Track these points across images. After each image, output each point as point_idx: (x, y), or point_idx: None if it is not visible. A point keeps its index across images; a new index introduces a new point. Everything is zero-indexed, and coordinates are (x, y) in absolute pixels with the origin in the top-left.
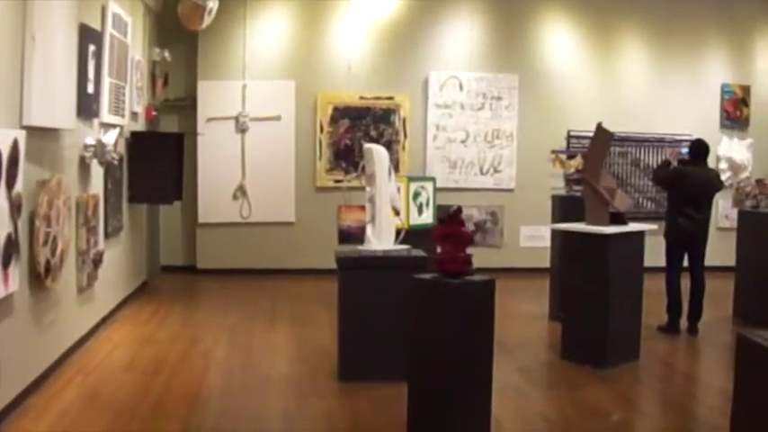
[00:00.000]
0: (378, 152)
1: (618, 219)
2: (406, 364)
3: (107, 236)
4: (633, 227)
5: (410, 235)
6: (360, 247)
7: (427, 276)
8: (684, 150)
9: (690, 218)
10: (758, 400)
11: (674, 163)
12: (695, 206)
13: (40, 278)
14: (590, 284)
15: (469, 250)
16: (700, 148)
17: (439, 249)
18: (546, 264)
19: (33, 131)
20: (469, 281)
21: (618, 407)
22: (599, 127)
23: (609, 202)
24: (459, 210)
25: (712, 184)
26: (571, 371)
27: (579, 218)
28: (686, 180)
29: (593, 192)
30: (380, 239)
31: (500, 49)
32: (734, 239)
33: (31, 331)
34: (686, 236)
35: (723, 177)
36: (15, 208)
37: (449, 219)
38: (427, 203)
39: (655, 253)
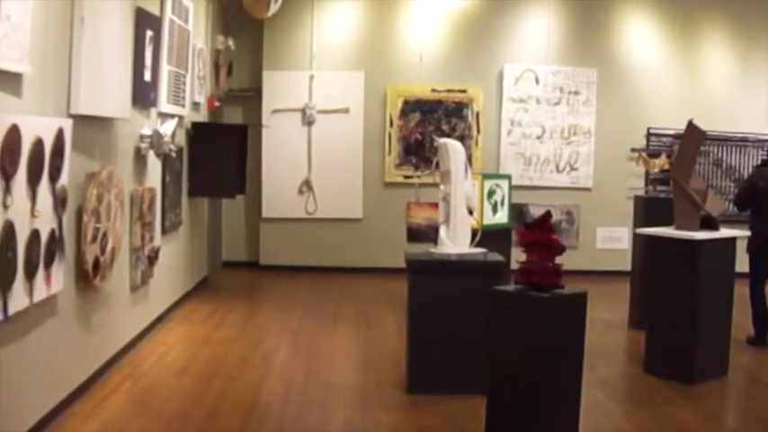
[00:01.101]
0: (453, 147)
1: (709, 223)
2: (480, 377)
3: (164, 231)
4: (725, 233)
5: (484, 236)
6: (432, 250)
7: (510, 288)
8: None
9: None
10: None
11: None
12: None
13: (87, 277)
14: (678, 294)
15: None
16: None
17: (523, 258)
18: (623, 267)
19: (82, 120)
20: (559, 294)
21: (708, 427)
22: (690, 124)
23: (700, 206)
24: (549, 214)
25: None
26: (656, 386)
27: (664, 221)
28: (759, 187)
29: (683, 194)
30: (455, 242)
31: (578, 42)
32: None
33: (77, 333)
34: (766, 244)
35: None
36: (60, 202)
37: (537, 224)
38: (502, 202)
39: (745, 258)
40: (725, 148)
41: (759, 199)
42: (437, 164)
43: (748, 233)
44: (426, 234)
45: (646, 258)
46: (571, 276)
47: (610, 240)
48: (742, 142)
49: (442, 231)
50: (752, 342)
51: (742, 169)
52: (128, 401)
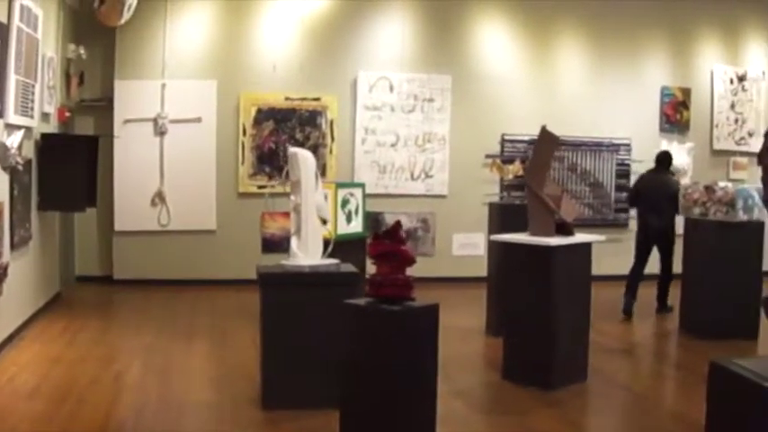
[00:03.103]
0: (303, 157)
1: (564, 229)
2: (337, 391)
3: (13, 247)
4: (580, 238)
5: (338, 246)
6: (284, 262)
7: (361, 302)
8: None
9: (647, 223)
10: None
11: None
12: (653, 211)
13: None
14: (534, 300)
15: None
16: (659, 157)
17: (374, 269)
18: (480, 273)
19: None
20: (410, 307)
21: None
22: (543, 130)
23: (554, 211)
24: (399, 224)
25: (667, 188)
26: (514, 393)
27: (519, 226)
28: (641, 191)
29: (537, 200)
30: (307, 253)
31: (432, 49)
32: (677, 247)
33: None
34: (646, 238)
35: None
36: None
37: (387, 234)
38: (356, 211)
39: (601, 261)
40: (580, 153)
41: (640, 198)
42: (287, 173)
43: (601, 237)
44: (281, 244)
45: (501, 265)
46: (428, 284)
47: (466, 247)
48: (597, 147)
49: (294, 243)
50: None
51: (597, 173)
52: None
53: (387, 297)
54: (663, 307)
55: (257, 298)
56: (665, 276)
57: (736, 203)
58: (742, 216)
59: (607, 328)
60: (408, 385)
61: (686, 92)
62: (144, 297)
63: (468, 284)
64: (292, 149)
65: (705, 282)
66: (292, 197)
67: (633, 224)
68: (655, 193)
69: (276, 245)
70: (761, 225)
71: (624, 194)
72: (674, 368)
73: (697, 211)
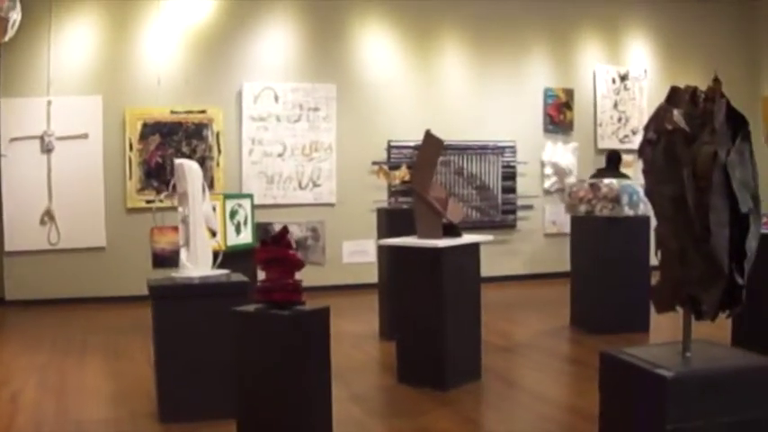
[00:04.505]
0: (189, 168)
1: (451, 231)
2: (233, 402)
3: None
4: (468, 238)
5: (228, 257)
6: (174, 274)
7: (250, 308)
8: None
9: None
10: (626, 418)
11: None
12: None
13: None
14: (425, 301)
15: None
16: (609, 156)
17: (263, 276)
18: (371, 279)
19: None
20: (300, 311)
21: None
22: (428, 134)
23: (441, 214)
24: (286, 230)
25: None
26: (411, 395)
27: (407, 231)
28: None
29: (424, 203)
30: (196, 264)
31: (316, 58)
32: (561, 245)
33: None
34: None
35: (548, 183)
36: None
37: (274, 240)
38: (245, 222)
39: (490, 263)
40: (465, 157)
41: None
42: (174, 186)
43: (489, 237)
44: (171, 258)
45: (391, 269)
46: (320, 292)
47: (357, 254)
48: (482, 150)
49: (183, 254)
50: None
51: (483, 176)
52: None
53: (276, 302)
54: None
55: (150, 313)
56: None
57: (621, 199)
58: (628, 212)
59: (499, 327)
60: (302, 390)
61: (569, 92)
62: (37, 317)
63: (359, 291)
64: (178, 160)
65: (594, 277)
66: (180, 209)
67: (521, 225)
68: None
69: (167, 259)
70: (646, 219)
71: (510, 196)
72: (567, 363)
73: (583, 208)
